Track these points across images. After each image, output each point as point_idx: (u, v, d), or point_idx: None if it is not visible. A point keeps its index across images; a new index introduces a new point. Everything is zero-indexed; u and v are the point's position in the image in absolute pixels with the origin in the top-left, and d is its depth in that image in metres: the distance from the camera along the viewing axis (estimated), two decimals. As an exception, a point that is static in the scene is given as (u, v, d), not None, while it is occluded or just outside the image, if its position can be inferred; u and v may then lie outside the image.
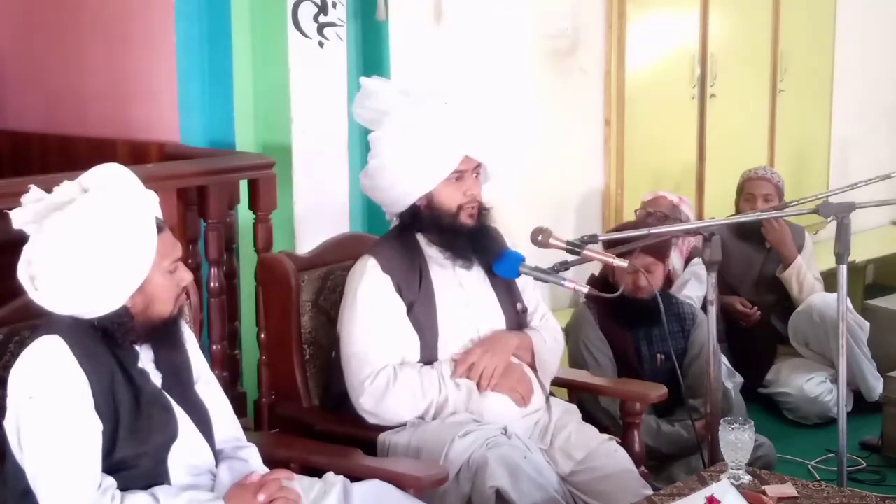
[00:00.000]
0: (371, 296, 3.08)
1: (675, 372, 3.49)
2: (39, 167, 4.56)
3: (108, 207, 2.37)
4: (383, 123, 3.14)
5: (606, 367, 3.95)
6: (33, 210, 2.39)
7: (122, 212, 2.38)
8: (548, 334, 3.31)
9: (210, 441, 2.61)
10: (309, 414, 3.26)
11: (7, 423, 2.39)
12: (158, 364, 2.54)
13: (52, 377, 2.36)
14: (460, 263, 3.17)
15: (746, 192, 5.00)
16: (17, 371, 2.39)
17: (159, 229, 2.46)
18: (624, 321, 3.99)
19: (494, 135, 3.22)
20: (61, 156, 4.54)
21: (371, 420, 3.08)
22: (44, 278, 2.36)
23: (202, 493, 2.48)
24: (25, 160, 4.69)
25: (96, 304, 2.39)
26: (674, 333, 4.01)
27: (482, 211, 3.17)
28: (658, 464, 3.85)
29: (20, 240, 2.44)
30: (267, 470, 2.64)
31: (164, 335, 2.53)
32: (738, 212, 5.01)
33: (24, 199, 2.42)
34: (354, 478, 2.72)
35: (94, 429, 2.38)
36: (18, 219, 2.40)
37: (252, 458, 2.69)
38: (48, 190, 2.43)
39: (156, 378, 2.53)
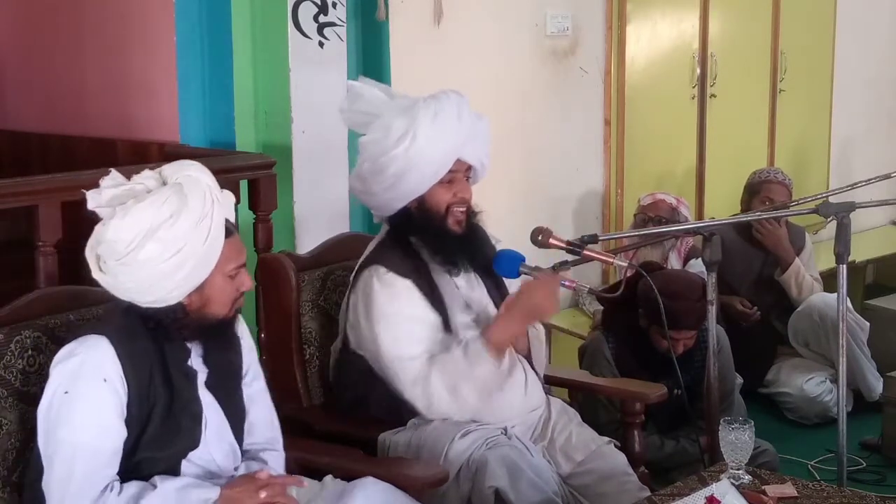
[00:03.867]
0: (398, 301, 3.03)
1: (689, 403, 3.52)
2: (39, 167, 4.56)
3: (184, 203, 2.38)
4: (373, 127, 3.12)
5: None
6: (111, 194, 2.40)
7: (195, 210, 2.39)
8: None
9: (240, 442, 2.63)
10: (309, 414, 3.26)
11: (39, 410, 2.40)
12: (207, 360, 2.56)
13: (91, 378, 2.37)
14: (449, 269, 3.14)
15: (763, 195, 4.93)
16: (60, 363, 2.40)
17: (228, 233, 2.47)
18: (643, 364, 3.90)
19: (485, 137, 3.20)
20: (61, 156, 4.54)
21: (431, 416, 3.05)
22: (110, 261, 2.37)
23: (199, 481, 2.48)
24: (25, 160, 4.69)
25: (154, 296, 2.40)
26: (694, 362, 3.94)
27: (471, 214, 3.16)
28: (659, 475, 3.82)
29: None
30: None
31: (216, 335, 2.54)
32: (744, 211, 4.99)
33: (103, 182, 2.43)
34: (354, 478, 2.72)
35: (118, 437, 2.40)
36: (94, 200, 2.41)
37: (273, 462, 2.70)
38: (87, 188, 2.44)
39: (202, 374, 2.54)
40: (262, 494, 2.44)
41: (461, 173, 3.12)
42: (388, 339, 3.02)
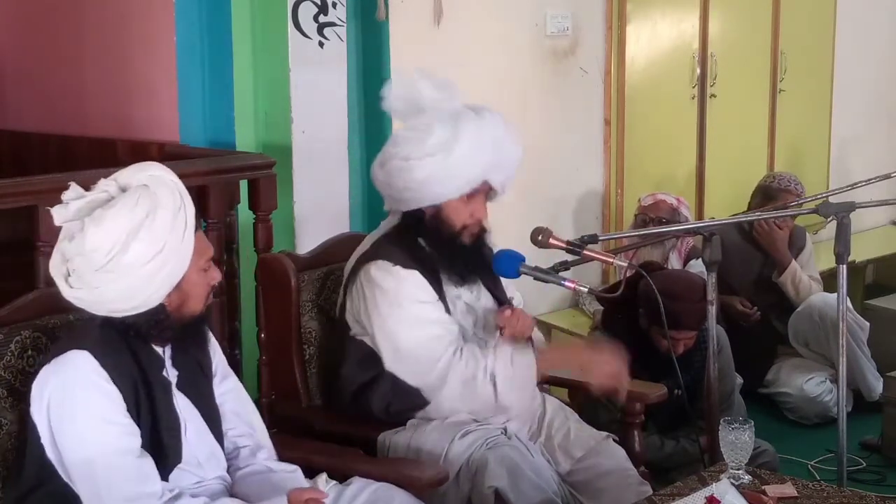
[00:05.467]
0: (409, 295, 3.03)
1: (689, 403, 3.52)
2: (39, 167, 4.56)
3: (157, 201, 2.37)
4: (414, 123, 3.09)
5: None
6: (76, 207, 2.38)
7: (169, 206, 2.38)
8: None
9: (220, 440, 2.62)
10: (309, 414, 3.26)
11: (46, 442, 2.38)
12: (176, 362, 2.54)
13: (82, 389, 2.35)
14: (451, 279, 3.14)
15: (780, 202, 4.87)
16: (44, 388, 2.38)
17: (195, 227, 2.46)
18: (643, 365, 3.90)
19: (516, 163, 3.18)
20: (61, 156, 4.54)
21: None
22: (87, 274, 2.35)
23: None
24: (25, 160, 4.69)
25: (137, 300, 2.38)
26: (694, 362, 3.93)
27: (482, 232, 3.16)
28: (659, 475, 3.82)
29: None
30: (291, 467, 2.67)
31: (192, 333, 2.54)
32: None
33: (65, 196, 2.41)
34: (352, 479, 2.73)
35: (135, 431, 2.40)
36: (60, 216, 2.39)
37: (273, 463, 2.69)
38: (85, 187, 2.43)
39: (172, 377, 2.53)
40: None
41: (482, 193, 3.12)
42: (398, 331, 3.01)
